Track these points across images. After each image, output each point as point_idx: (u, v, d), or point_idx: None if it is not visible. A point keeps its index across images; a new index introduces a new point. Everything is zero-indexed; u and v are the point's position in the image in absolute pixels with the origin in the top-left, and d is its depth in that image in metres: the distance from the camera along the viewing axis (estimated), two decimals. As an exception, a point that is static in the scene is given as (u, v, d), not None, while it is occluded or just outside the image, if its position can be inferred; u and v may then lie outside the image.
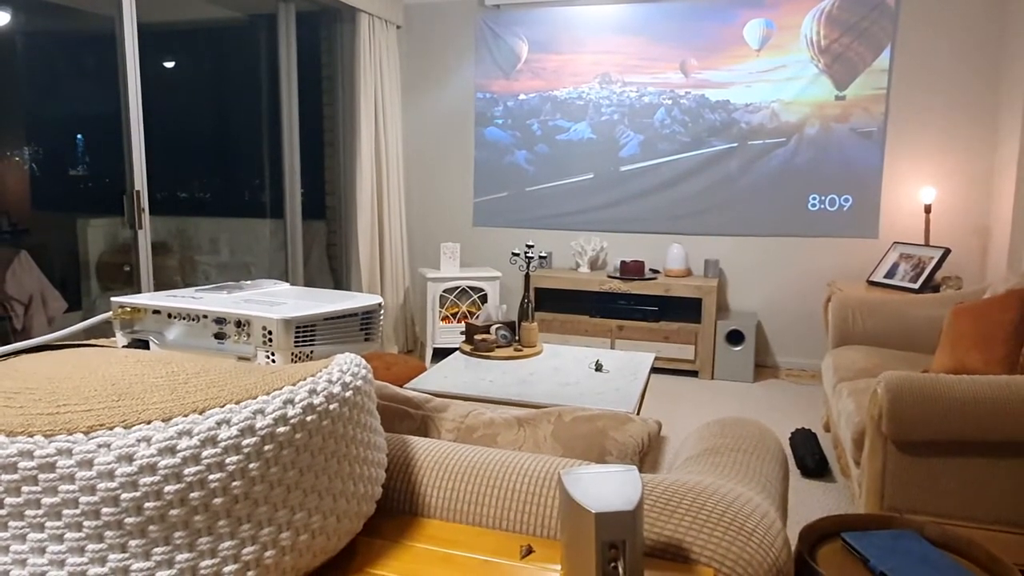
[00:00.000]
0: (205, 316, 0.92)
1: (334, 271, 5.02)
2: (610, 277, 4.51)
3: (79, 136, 5.74)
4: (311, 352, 0.93)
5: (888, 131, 4.26)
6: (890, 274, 4.01)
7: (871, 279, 4.07)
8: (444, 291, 4.57)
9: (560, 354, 3.44)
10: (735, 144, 4.52)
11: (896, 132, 4.25)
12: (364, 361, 0.94)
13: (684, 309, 4.35)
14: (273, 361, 0.89)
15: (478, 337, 3.39)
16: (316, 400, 0.79)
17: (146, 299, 0.97)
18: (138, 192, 3.09)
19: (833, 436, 3.17)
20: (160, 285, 4.81)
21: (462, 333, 4.49)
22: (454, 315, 4.61)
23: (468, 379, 3.01)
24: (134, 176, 3.10)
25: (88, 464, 0.66)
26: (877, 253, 4.28)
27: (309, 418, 0.77)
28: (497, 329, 3.45)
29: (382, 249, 4.73)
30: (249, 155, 5.45)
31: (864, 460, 2.29)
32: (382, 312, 1.07)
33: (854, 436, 2.39)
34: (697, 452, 1.54)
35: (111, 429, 0.68)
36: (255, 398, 0.74)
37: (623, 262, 4.52)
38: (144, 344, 0.95)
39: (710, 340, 4.29)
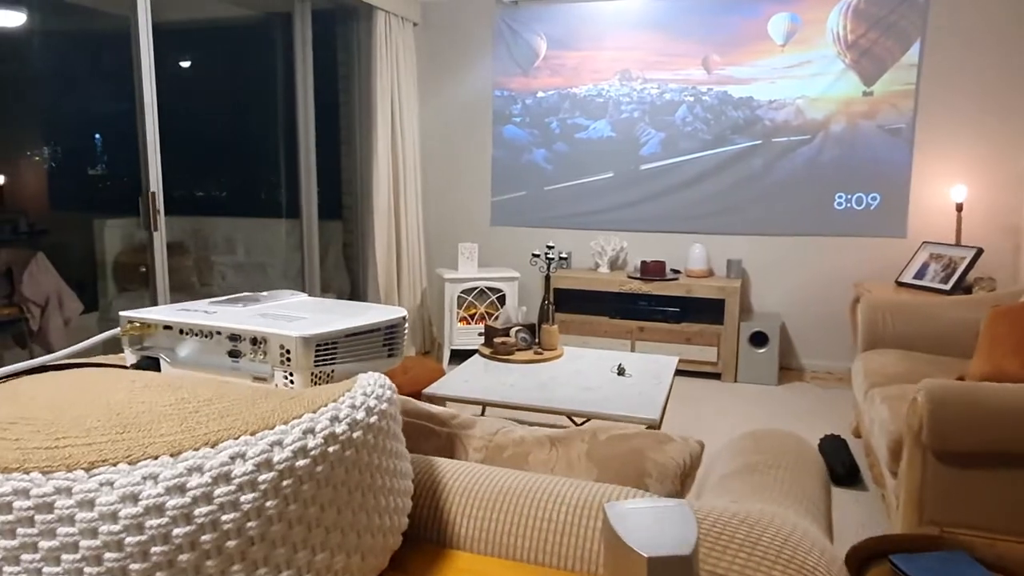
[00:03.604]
0: (219, 332, 0.85)
1: (351, 271, 4.97)
2: (630, 277, 4.43)
3: (97, 136, 5.73)
4: (332, 371, 0.86)
5: (917, 127, 4.14)
6: (920, 275, 3.89)
7: (900, 280, 3.96)
8: (462, 292, 4.51)
9: (581, 357, 3.36)
10: (759, 142, 4.42)
11: (925, 128, 4.13)
12: (388, 380, 0.88)
13: (706, 310, 4.26)
14: (291, 382, 0.82)
15: (497, 340, 3.32)
16: (339, 428, 0.72)
17: (157, 313, 0.90)
18: (153, 193, 3.05)
19: (864, 443, 3.07)
20: (176, 286, 4.79)
21: (480, 335, 4.43)
22: (472, 316, 4.55)
23: (488, 383, 2.94)
24: (149, 177, 3.06)
25: (89, 504, 0.60)
26: (906, 253, 4.16)
27: (331, 448, 0.71)
28: (517, 332, 3.38)
29: (399, 249, 4.68)
30: (265, 154, 5.42)
31: (902, 471, 2.20)
32: (406, 326, 1.01)
33: (890, 445, 2.29)
34: (733, 469, 1.46)
35: (115, 465, 0.62)
36: (272, 428, 0.68)
37: (644, 262, 4.43)
38: (154, 362, 0.89)
39: (733, 342, 4.20)
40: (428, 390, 2.85)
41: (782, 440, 1.58)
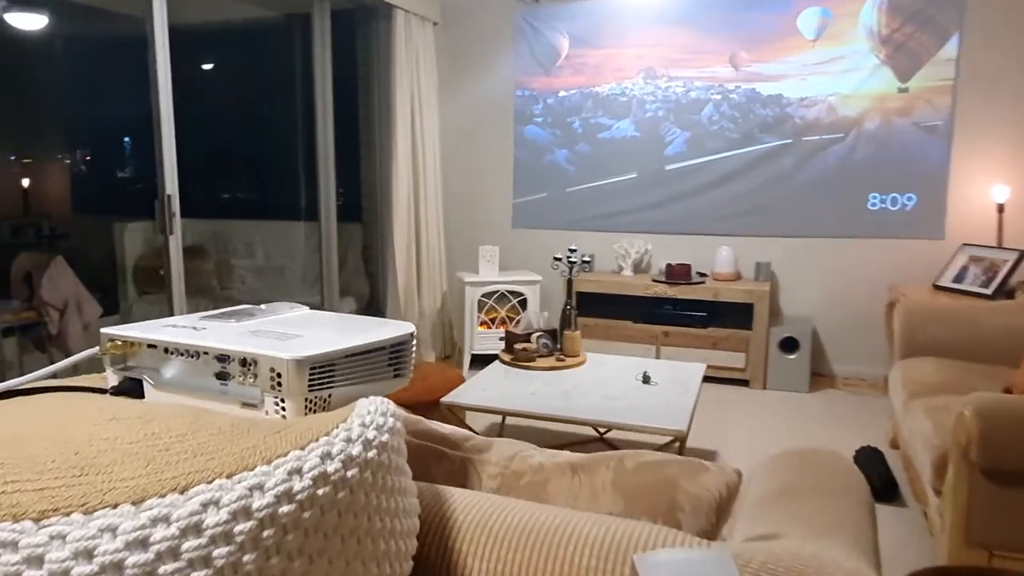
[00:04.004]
0: (206, 352, 0.77)
1: (370, 275, 4.91)
2: (655, 281, 4.31)
3: (125, 139, 5.75)
4: (329, 396, 0.78)
5: (955, 125, 3.98)
6: (959, 278, 3.73)
7: (938, 283, 3.80)
8: (483, 295, 4.43)
9: (605, 364, 3.26)
10: (788, 140, 4.28)
11: (964, 126, 3.96)
12: (392, 406, 0.79)
13: (734, 314, 4.13)
14: (283, 408, 0.74)
15: (518, 346, 3.23)
16: (331, 467, 0.63)
17: (141, 330, 0.83)
18: (169, 196, 3.01)
19: (903, 456, 2.93)
20: (196, 290, 4.76)
21: (501, 339, 4.33)
22: (493, 320, 4.46)
23: (508, 391, 2.85)
24: (164, 180, 3.01)
25: (38, 561, 0.52)
26: (943, 255, 4.00)
27: (321, 491, 0.62)
28: (538, 337, 3.28)
29: (419, 252, 4.61)
30: (284, 156, 5.38)
31: (947, 489, 2.07)
32: (414, 343, 0.92)
33: (934, 461, 2.16)
34: (770, 492, 1.35)
35: (68, 515, 0.53)
36: (253, 469, 0.59)
37: (669, 265, 4.31)
38: (138, 384, 0.81)
39: (762, 347, 4.06)
40: (446, 398, 2.76)
41: (823, 460, 1.47)
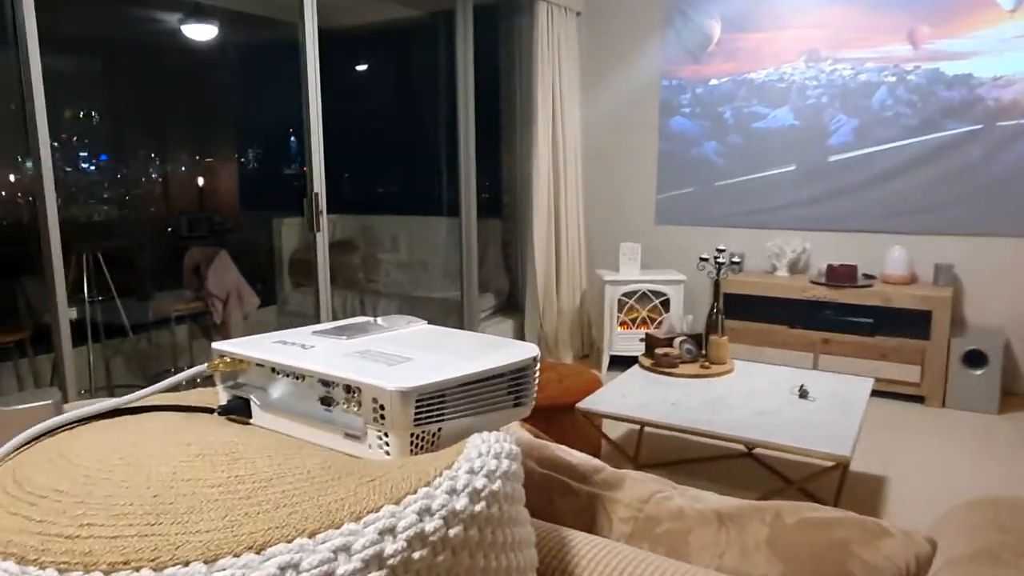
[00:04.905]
0: (311, 375, 0.71)
1: (509, 271, 4.89)
2: (814, 283, 3.95)
3: (292, 139, 6.12)
4: (438, 431, 0.69)
5: None
6: None
7: None
8: (623, 295, 4.26)
9: (754, 374, 3.00)
10: (979, 126, 3.75)
11: None
12: (509, 444, 0.69)
13: (907, 322, 3.69)
14: (386, 443, 0.66)
15: (659, 351, 3.05)
16: (430, 525, 0.54)
17: (250, 347, 0.78)
18: (316, 195, 3.11)
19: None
20: (344, 283, 4.97)
21: (641, 340, 4.16)
22: (633, 321, 4.29)
23: (647, 399, 2.69)
24: (313, 179, 3.12)
25: (103, 622, 0.46)
26: None
27: (417, 555, 0.53)
28: (682, 342, 3.09)
29: (558, 249, 4.52)
30: (428, 152, 5.49)
31: None
32: (538, 367, 0.82)
33: None
34: (966, 553, 1.12)
35: (137, 570, 0.48)
36: (339, 527, 0.51)
37: (830, 266, 3.93)
38: (245, 403, 0.76)
39: (941, 360, 3.60)
40: (582, 404, 2.65)
41: (1032, 516, 1.21)
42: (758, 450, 3.04)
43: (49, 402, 0.98)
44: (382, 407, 0.66)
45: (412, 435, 0.67)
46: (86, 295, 3.77)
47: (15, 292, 3.82)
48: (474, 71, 4.12)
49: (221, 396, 0.80)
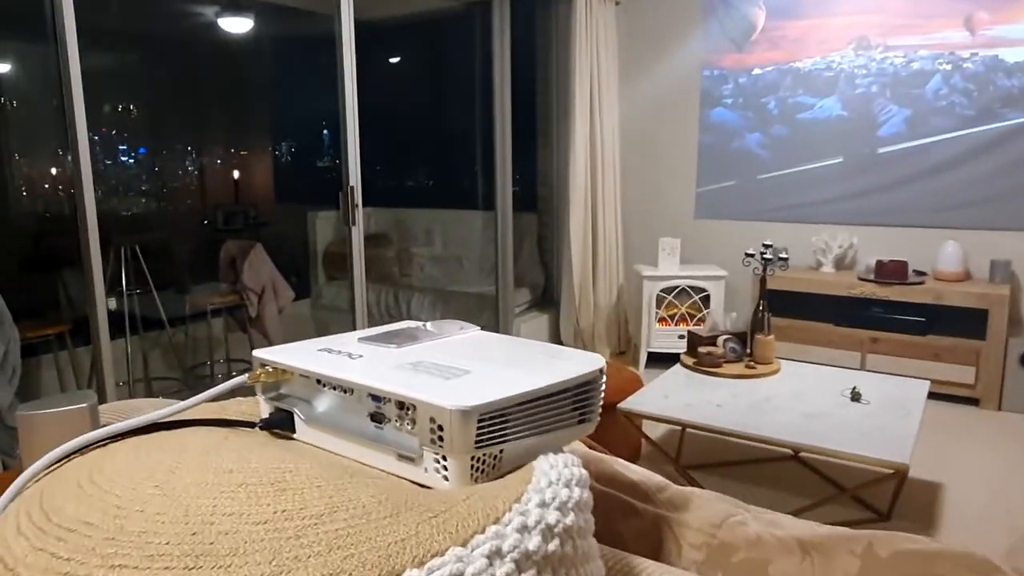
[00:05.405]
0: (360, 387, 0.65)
1: (545, 265, 4.82)
2: (862, 279, 3.81)
3: (325, 132, 6.11)
4: (500, 452, 0.62)
5: None
6: None
7: None
8: (661, 291, 4.16)
9: (802, 374, 2.90)
10: (1040, 115, 3.57)
11: None
12: (580, 470, 0.62)
13: (961, 321, 3.53)
14: (444, 467, 0.60)
15: (702, 350, 2.96)
16: (501, 571, 0.48)
17: (294, 356, 0.72)
18: (352, 188, 3.07)
19: None
20: (378, 277, 4.94)
21: (680, 337, 4.06)
22: (672, 317, 4.19)
23: (690, 400, 2.60)
24: (348, 173, 3.08)
25: None
26: None
27: (487, 604, 0.46)
28: (725, 341, 2.99)
29: (595, 243, 4.43)
30: (463, 145, 5.43)
31: None
32: (603, 380, 0.75)
33: None
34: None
35: (174, 622, 0.42)
36: (400, 574, 0.45)
37: (879, 262, 3.79)
38: (288, 417, 0.71)
39: (998, 361, 3.45)
40: (624, 404, 2.57)
41: None
42: (804, 453, 2.93)
43: (84, 405, 0.94)
44: (440, 427, 0.59)
45: (473, 460, 0.60)
46: (124, 288, 3.79)
47: (56, 285, 3.86)
48: (510, 62, 4.04)
49: (263, 408, 0.74)
